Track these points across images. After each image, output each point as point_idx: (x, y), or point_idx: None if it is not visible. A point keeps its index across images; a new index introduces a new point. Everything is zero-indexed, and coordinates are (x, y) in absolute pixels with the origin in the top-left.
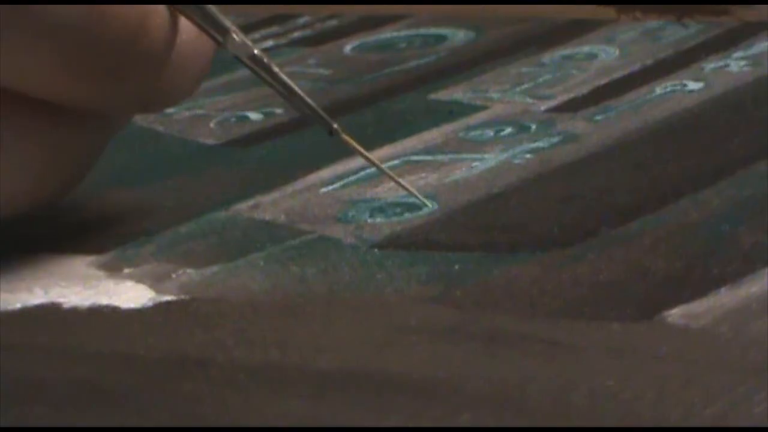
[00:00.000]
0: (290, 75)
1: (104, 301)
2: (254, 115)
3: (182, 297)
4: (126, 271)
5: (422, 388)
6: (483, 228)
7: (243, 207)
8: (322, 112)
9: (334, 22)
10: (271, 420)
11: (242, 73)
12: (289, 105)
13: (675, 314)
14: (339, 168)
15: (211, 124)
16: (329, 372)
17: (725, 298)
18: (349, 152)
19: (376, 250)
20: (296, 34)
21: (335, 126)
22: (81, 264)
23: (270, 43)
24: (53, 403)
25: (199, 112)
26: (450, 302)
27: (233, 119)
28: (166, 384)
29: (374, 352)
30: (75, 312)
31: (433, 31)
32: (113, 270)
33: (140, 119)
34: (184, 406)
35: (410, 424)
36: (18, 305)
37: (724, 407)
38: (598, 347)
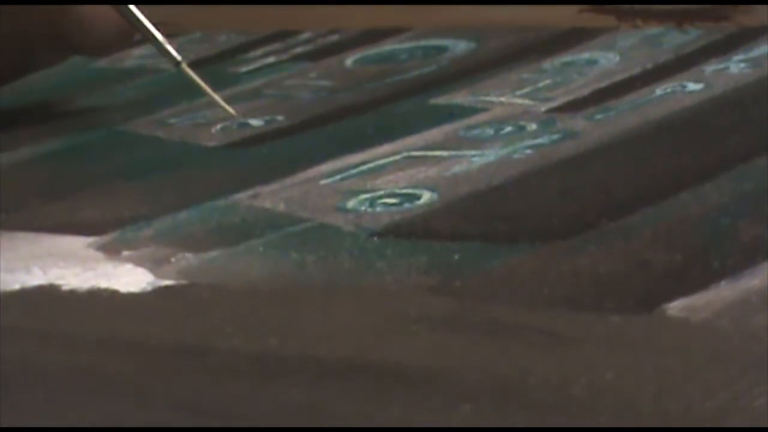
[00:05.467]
0: (292, 87)
1: (103, 284)
2: (255, 122)
3: (181, 282)
4: (125, 253)
5: (422, 378)
6: (483, 218)
7: (243, 196)
8: (168, 46)
9: (335, 37)
10: (270, 408)
11: (244, 87)
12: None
13: (675, 307)
14: (339, 163)
15: (213, 130)
16: (328, 361)
17: (725, 291)
18: (349, 149)
19: (375, 238)
20: (298, 50)
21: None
22: (80, 245)
23: (272, 59)
24: (53, 389)
25: (201, 121)
26: (449, 292)
27: (235, 125)
28: (166, 371)
29: (374, 341)
30: (74, 295)
31: (433, 42)
32: (112, 252)
33: (141, 127)
34: (183, 393)
35: (410, 414)
36: (17, 286)
37: (724, 400)
38: (598, 339)
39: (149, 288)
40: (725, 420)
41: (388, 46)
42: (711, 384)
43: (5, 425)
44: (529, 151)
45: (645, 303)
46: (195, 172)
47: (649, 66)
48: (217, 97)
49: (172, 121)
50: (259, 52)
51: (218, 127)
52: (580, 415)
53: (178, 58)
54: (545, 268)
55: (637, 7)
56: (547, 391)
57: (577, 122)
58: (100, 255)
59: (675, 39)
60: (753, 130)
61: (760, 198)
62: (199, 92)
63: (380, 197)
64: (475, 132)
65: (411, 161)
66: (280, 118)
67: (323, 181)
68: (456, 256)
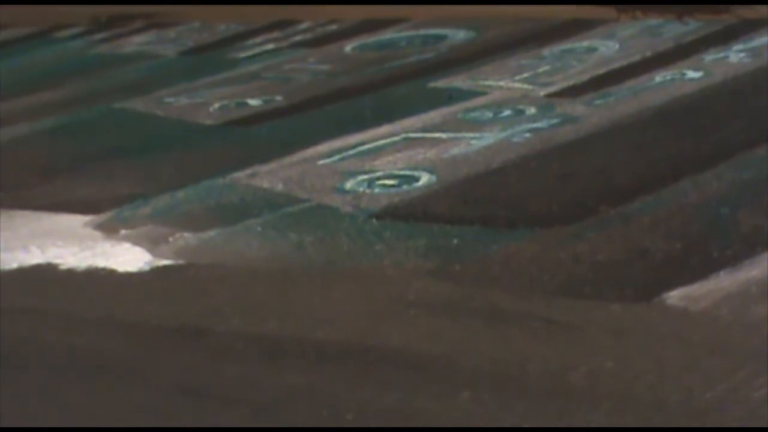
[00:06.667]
0: (291, 71)
1: (101, 263)
2: (254, 102)
3: (179, 262)
4: (123, 232)
5: (421, 363)
6: (482, 202)
7: (241, 175)
8: None
9: (334, 27)
10: (269, 391)
11: (242, 70)
12: None
13: (674, 296)
14: (337, 143)
15: (211, 109)
16: (327, 344)
17: (725, 281)
18: (347, 130)
19: (374, 220)
20: (297, 38)
21: None
22: (77, 224)
23: (271, 46)
24: (52, 368)
25: (199, 100)
26: (448, 276)
27: (233, 105)
28: (164, 352)
29: (372, 325)
30: (72, 274)
31: (433, 31)
32: (110, 231)
33: (139, 105)
34: (182, 374)
35: (409, 400)
36: (15, 265)
37: (723, 391)
38: (598, 327)
39: (147, 267)
40: (724, 410)
41: (387, 35)
42: (710, 374)
43: (3, 404)
44: (528, 135)
45: (644, 292)
46: (193, 150)
47: (648, 54)
48: None
49: (170, 100)
50: (258, 39)
51: (216, 106)
52: (579, 402)
53: None
54: (545, 254)
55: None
56: (547, 379)
57: (577, 107)
58: (97, 234)
59: (675, 29)
60: (752, 118)
61: (760, 187)
62: (195, 76)
63: (379, 178)
64: (474, 115)
65: (410, 143)
66: (278, 98)
67: (321, 162)
68: (455, 240)
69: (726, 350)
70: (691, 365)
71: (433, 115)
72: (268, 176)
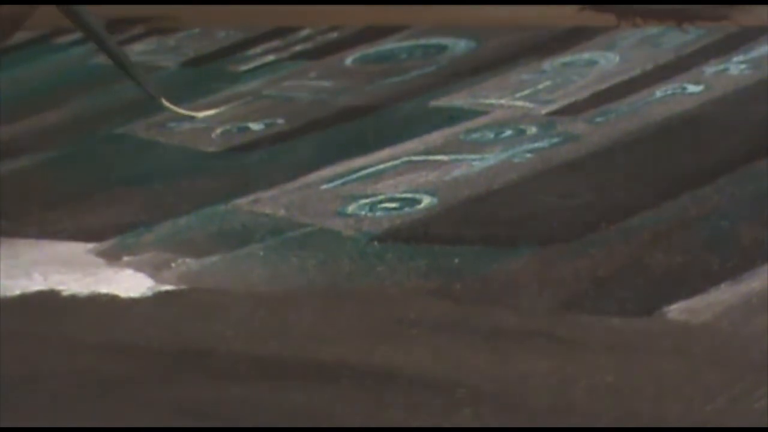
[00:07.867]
0: (292, 88)
1: (104, 289)
2: (255, 126)
3: (181, 287)
4: (125, 259)
5: (422, 382)
6: (483, 222)
7: (243, 202)
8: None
9: (334, 35)
10: (271, 411)
11: (243, 87)
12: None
13: (675, 310)
14: (339, 168)
15: (213, 135)
16: (329, 364)
17: (725, 293)
18: (349, 154)
19: (375, 242)
20: (297, 48)
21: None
22: (80, 251)
23: (271, 57)
24: (54, 393)
25: (201, 125)
26: (450, 296)
27: (235, 130)
28: (167, 375)
29: (374, 345)
30: (74, 300)
31: (434, 41)
32: (112, 258)
33: (141, 131)
34: (184, 397)
35: (410, 418)
36: (17, 291)
37: (723, 403)
38: (598, 342)
39: (149, 293)
40: (724, 423)
41: (387, 45)
42: (710, 386)
43: (5, 428)
44: (529, 155)
45: (645, 306)
46: (195, 178)
47: (648, 67)
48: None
49: (172, 125)
50: (258, 49)
51: (218, 131)
52: (580, 416)
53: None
54: (545, 271)
55: (636, 6)
56: (547, 395)
57: (577, 125)
58: (100, 260)
59: (675, 39)
60: (753, 132)
61: (759, 201)
62: (199, 93)
63: (380, 202)
64: (476, 136)
65: (411, 165)
66: (280, 121)
67: (323, 186)
68: (456, 260)
69: (726, 362)
70: (691, 378)
71: (435, 137)
72: (270, 202)
